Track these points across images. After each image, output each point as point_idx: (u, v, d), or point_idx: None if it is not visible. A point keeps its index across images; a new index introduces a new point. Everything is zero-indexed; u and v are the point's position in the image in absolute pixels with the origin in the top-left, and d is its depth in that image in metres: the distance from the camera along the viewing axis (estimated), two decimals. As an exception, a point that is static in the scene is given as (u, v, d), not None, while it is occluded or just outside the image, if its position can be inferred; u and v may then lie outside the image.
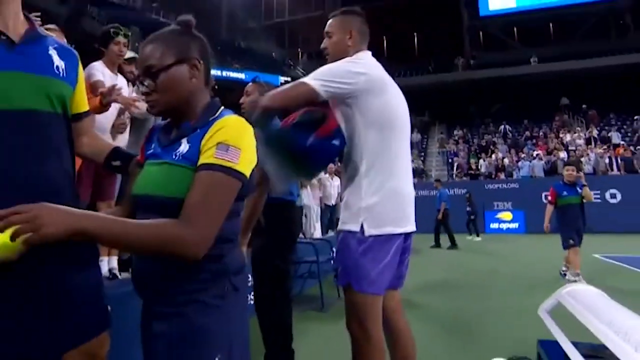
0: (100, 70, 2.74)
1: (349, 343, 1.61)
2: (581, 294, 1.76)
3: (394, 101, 1.63)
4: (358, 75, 1.53)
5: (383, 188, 1.57)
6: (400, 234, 1.59)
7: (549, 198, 5.62)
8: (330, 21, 1.77)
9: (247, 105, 2.33)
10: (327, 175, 8.05)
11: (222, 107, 1.05)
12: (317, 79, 1.52)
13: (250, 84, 2.59)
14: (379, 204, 1.56)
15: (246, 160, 0.95)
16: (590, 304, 1.64)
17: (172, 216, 0.87)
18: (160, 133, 1.09)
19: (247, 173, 0.96)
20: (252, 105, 1.83)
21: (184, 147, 0.98)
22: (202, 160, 0.92)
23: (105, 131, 2.72)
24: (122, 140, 2.91)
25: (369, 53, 1.70)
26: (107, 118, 2.68)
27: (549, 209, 5.65)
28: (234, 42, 23.98)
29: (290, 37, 24.49)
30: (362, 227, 1.55)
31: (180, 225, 0.85)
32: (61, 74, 1.15)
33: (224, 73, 20.02)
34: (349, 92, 1.53)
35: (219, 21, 23.54)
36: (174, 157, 0.97)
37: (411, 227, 1.64)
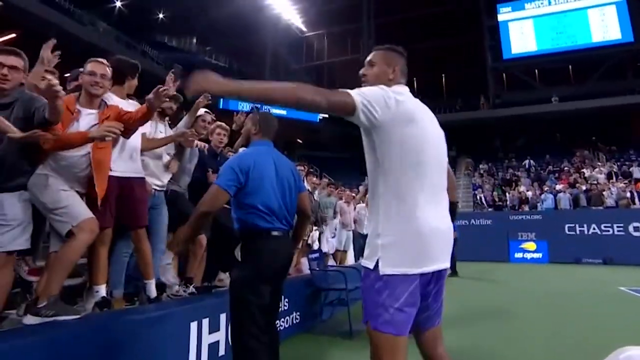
0: (115, 101, 2.80)
1: None
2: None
3: (419, 133, 1.55)
4: (387, 107, 1.48)
5: (401, 225, 1.49)
6: (418, 274, 1.49)
7: None
8: (375, 52, 1.77)
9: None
10: (343, 200, 7.87)
11: None
12: (361, 97, 1.46)
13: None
14: (395, 242, 1.49)
15: None
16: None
17: None
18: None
19: None
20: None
21: None
22: None
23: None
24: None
25: (407, 88, 1.70)
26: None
27: None
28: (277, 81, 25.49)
29: (329, 78, 25.85)
30: (377, 264, 1.50)
31: None
32: None
33: (266, 108, 21.82)
34: (375, 120, 1.48)
35: (264, 63, 25.54)
36: None
37: (436, 265, 1.52)
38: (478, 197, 17.74)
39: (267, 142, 2.42)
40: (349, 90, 1.45)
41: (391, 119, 1.49)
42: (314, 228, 6.40)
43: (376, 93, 1.50)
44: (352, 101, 1.44)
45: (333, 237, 7.20)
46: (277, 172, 2.29)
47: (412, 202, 1.50)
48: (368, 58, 1.76)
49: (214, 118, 3.90)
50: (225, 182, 2.14)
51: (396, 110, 1.50)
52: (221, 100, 20.95)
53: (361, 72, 1.76)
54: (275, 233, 2.23)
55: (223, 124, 3.99)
